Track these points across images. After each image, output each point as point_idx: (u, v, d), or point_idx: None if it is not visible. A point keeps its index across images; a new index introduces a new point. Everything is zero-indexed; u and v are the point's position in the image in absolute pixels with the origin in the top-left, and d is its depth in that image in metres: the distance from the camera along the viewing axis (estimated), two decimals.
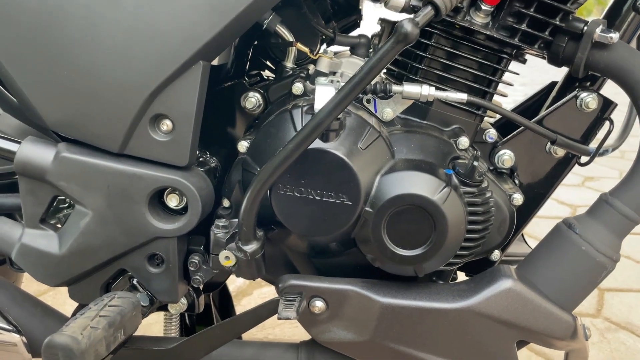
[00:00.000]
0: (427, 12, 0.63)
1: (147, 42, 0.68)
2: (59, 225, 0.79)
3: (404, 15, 0.76)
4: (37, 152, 0.73)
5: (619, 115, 0.83)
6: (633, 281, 1.95)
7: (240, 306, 1.77)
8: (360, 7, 0.96)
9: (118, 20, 0.68)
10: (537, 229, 2.15)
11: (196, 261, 0.79)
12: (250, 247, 0.73)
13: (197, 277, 0.79)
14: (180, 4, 0.67)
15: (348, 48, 0.86)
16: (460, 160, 0.76)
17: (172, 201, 0.75)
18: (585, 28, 0.74)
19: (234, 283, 1.85)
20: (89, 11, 0.68)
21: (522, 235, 1.09)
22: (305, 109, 0.74)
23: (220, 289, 1.14)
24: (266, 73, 0.95)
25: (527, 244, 1.08)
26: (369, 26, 0.97)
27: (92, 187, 0.73)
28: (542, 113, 0.84)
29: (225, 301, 1.14)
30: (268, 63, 0.94)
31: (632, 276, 1.98)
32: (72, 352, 0.61)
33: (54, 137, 0.77)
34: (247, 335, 1.59)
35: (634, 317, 1.73)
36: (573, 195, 2.75)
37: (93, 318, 0.66)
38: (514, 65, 0.83)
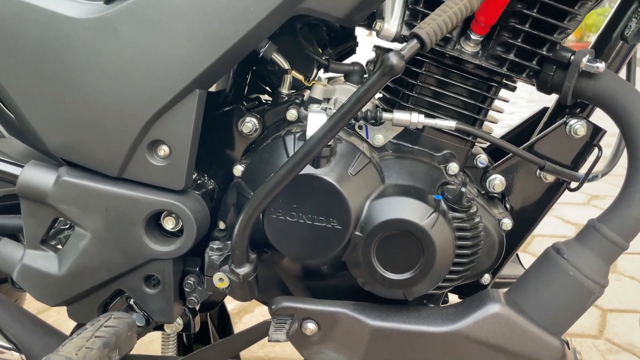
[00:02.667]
0: (412, 45, 0.65)
1: (145, 71, 0.70)
2: (59, 247, 0.82)
3: (398, 43, 0.79)
4: (38, 176, 0.75)
5: (611, 140, 0.85)
6: (636, 302, 1.94)
7: (242, 323, 1.78)
8: (355, 35, 0.98)
9: (118, 49, 0.70)
10: (540, 249, 2.15)
11: (191, 282, 0.81)
12: (243, 270, 0.74)
13: (193, 297, 0.81)
14: (178, 34, 0.70)
15: (342, 75, 0.89)
16: (449, 186, 0.77)
17: (169, 224, 0.77)
18: (572, 57, 0.76)
19: (236, 301, 1.86)
20: (90, 40, 0.71)
21: (518, 256, 1.10)
22: (297, 135, 0.76)
23: (219, 308, 1.16)
24: (265, 97, 0.98)
25: (522, 266, 1.09)
26: (364, 53, 0.99)
27: (91, 210, 0.75)
28: (533, 139, 0.85)
29: (223, 320, 1.16)
30: (266, 88, 0.97)
31: (636, 297, 1.96)
32: None
33: (56, 160, 0.80)
34: (248, 353, 1.61)
35: (637, 338, 1.72)
36: (578, 214, 2.75)
37: (89, 338, 0.68)
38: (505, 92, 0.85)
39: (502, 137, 0.98)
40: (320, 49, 0.93)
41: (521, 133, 0.99)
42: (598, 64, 0.75)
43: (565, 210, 2.80)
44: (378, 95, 0.89)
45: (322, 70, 0.92)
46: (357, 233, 0.73)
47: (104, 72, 0.71)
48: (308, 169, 0.71)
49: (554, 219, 2.68)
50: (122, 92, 0.71)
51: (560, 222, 2.65)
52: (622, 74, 0.87)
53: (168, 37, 0.70)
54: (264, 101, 0.94)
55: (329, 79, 0.90)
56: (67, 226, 0.85)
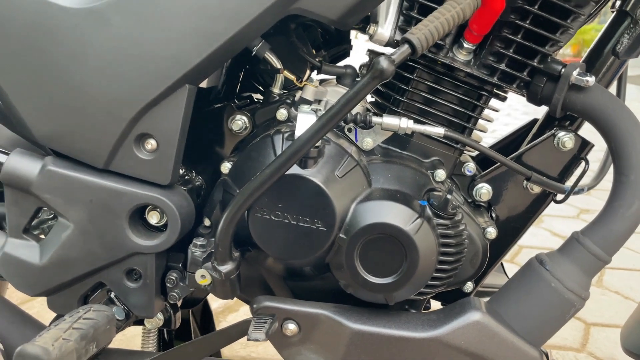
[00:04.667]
0: (403, 51, 0.65)
1: (135, 63, 0.70)
2: (42, 237, 0.81)
3: (391, 48, 0.79)
4: (24, 164, 0.75)
5: (599, 155, 0.85)
6: (620, 317, 1.94)
7: (226, 322, 1.77)
8: (350, 38, 0.99)
9: (108, 40, 0.70)
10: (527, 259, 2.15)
11: (174, 278, 0.80)
12: (225, 268, 0.74)
13: (174, 293, 0.81)
14: (169, 28, 0.70)
15: (335, 77, 0.89)
16: (435, 192, 0.77)
17: (153, 218, 0.77)
18: (563, 70, 0.76)
19: (220, 300, 1.86)
20: (81, 30, 0.70)
21: (502, 266, 1.10)
22: (286, 135, 0.76)
23: (202, 306, 1.15)
24: (257, 96, 0.98)
25: (507, 275, 1.09)
26: (358, 57, 0.99)
27: (76, 200, 0.75)
28: (521, 149, 0.86)
29: (206, 318, 1.15)
30: (258, 86, 0.97)
31: (620, 312, 1.97)
32: None
33: (43, 150, 0.79)
34: (231, 353, 1.60)
35: (619, 353, 1.72)
36: (568, 227, 2.76)
37: (66, 330, 0.67)
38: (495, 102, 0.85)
39: (492, 147, 0.98)
40: (314, 51, 0.93)
41: (510, 144, 0.99)
42: (588, 78, 0.75)
43: (554, 222, 2.81)
44: (370, 99, 0.89)
45: (314, 72, 0.92)
46: (341, 235, 0.73)
47: (94, 63, 0.70)
48: (295, 169, 0.71)
49: (543, 231, 2.69)
50: (111, 84, 0.71)
51: (549, 234, 2.66)
52: (613, 89, 0.88)
53: (160, 30, 0.70)
54: (255, 100, 0.94)
55: (321, 81, 0.90)
56: (51, 216, 0.85)
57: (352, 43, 1.00)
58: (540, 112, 0.80)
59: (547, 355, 0.80)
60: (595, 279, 2.14)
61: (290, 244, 0.74)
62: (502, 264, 1.07)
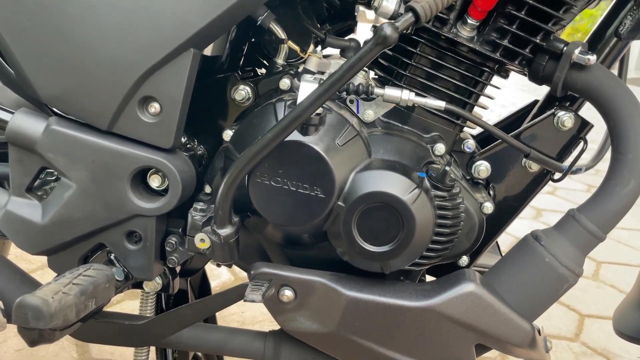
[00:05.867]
0: (407, 18, 0.66)
1: (141, 24, 0.71)
2: (45, 197, 0.82)
3: None
4: (28, 123, 0.76)
5: (597, 137, 0.86)
6: (614, 310, 1.96)
7: None
8: (355, 14, 0.99)
9: (115, 1, 0.71)
10: None
11: (173, 242, 0.81)
12: (225, 231, 0.75)
13: (173, 257, 0.82)
14: None
15: (339, 50, 0.89)
16: (434, 165, 0.78)
17: (155, 182, 0.78)
18: (565, 48, 0.77)
19: (219, 278, 1.87)
20: None
21: (498, 247, 1.11)
22: (288, 103, 0.77)
23: (200, 277, 1.16)
24: (260, 70, 0.98)
25: (502, 255, 1.10)
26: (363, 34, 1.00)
27: (78, 160, 0.76)
28: (520, 128, 0.86)
29: (203, 289, 1.16)
30: (262, 60, 0.97)
31: (614, 305, 1.96)
32: (42, 313, 0.63)
33: (47, 111, 0.80)
34: None
35: (612, 344, 1.74)
36: None
37: (66, 285, 0.68)
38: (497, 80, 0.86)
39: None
40: (319, 25, 0.93)
41: (511, 124, 1.00)
42: (589, 56, 0.76)
43: (553, 217, 2.82)
44: (372, 75, 0.90)
45: (318, 47, 0.93)
46: (339, 203, 0.74)
47: (99, 24, 0.71)
48: (296, 136, 0.72)
49: (542, 225, 2.70)
50: (116, 45, 0.71)
51: (545, 227, 2.67)
52: (615, 70, 0.88)
53: None
54: (259, 73, 0.95)
55: (325, 56, 0.91)
56: (54, 178, 0.86)
57: (356, 19, 1.01)
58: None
59: (539, 331, 0.81)
60: (591, 273, 2.16)
61: (289, 210, 0.75)
62: (497, 244, 1.08)
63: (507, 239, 2.30)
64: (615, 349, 1.72)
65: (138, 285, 0.87)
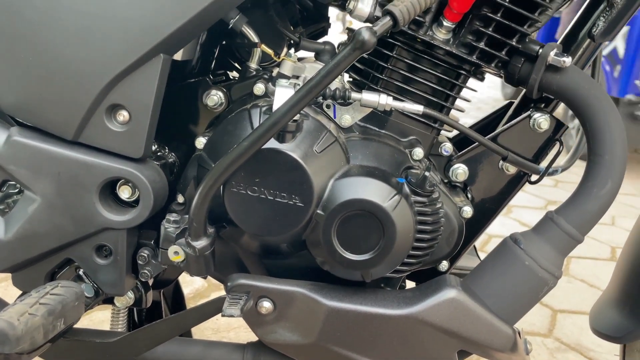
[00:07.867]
0: (385, 22, 0.64)
1: (108, 29, 0.68)
2: (7, 211, 0.78)
3: (371, 24, 0.78)
4: None
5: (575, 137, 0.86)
6: (586, 304, 1.99)
7: None
8: (328, 16, 0.97)
9: (80, 4, 0.67)
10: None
11: (145, 255, 0.78)
12: (200, 244, 0.73)
13: (146, 271, 0.79)
14: None
15: (313, 54, 0.87)
16: (413, 170, 0.77)
17: (124, 193, 0.75)
18: (541, 50, 0.77)
19: (192, 285, 1.83)
20: None
21: (475, 249, 1.11)
22: (264, 109, 0.74)
23: (174, 288, 1.13)
24: (233, 74, 0.96)
25: (479, 258, 1.10)
26: (336, 36, 0.98)
27: (43, 173, 0.72)
28: (497, 130, 0.86)
29: (177, 300, 1.13)
30: (234, 64, 0.95)
31: (586, 299, 2.02)
32: (7, 337, 0.60)
33: (8, 120, 0.76)
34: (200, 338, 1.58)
35: (585, 339, 1.77)
36: (536, 217, 2.81)
37: (32, 305, 0.65)
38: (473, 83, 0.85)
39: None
40: (292, 27, 0.91)
41: (486, 126, 1.00)
42: (565, 58, 0.76)
43: (523, 212, 2.87)
44: (348, 78, 0.88)
45: (292, 50, 0.91)
46: (318, 211, 0.72)
47: (63, 28, 0.67)
48: (273, 144, 0.70)
49: (512, 221, 2.74)
50: (81, 51, 0.68)
51: (518, 224, 2.71)
52: (588, 72, 0.89)
53: None
54: (231, 78, 0.92)
55: (300, 59, 0.89)
56: (17, 191, 0.81)
57: (329, 21, 0.99)
58: None
59: (519, 333, 0.81)
60: (562, 268, 2.19)
61: (267, 220, 0.73)
62: (474, 247, 1.08)
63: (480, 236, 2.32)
64: (589, 343, 1.75)
65: (109, 300, 0.83)
